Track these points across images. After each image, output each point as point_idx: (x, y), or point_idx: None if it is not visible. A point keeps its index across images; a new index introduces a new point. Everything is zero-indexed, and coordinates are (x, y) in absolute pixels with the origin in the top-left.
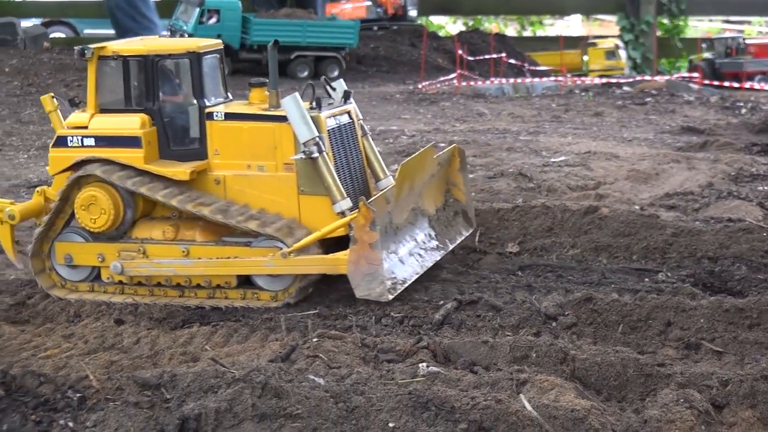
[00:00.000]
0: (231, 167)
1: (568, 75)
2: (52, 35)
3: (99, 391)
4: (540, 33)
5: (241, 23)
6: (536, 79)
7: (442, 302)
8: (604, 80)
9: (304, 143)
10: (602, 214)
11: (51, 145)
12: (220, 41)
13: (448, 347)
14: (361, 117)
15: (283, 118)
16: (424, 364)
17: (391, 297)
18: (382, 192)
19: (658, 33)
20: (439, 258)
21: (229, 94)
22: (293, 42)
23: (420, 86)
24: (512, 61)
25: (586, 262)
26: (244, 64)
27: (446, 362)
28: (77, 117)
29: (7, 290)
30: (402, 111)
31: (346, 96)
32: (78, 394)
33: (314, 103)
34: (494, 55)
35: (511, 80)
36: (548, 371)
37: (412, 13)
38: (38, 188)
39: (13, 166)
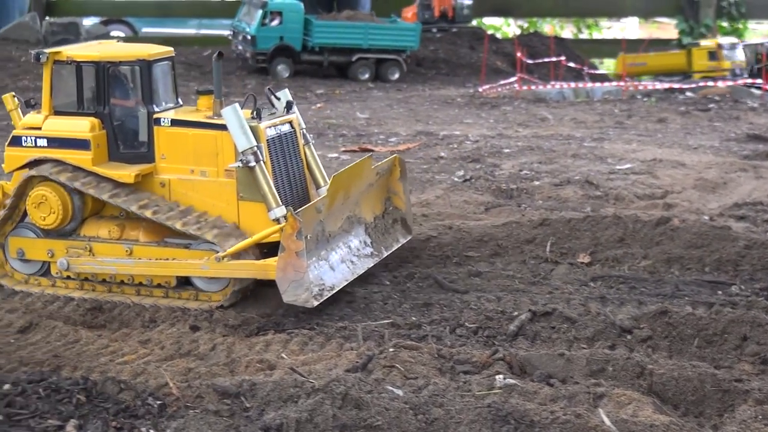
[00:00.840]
0: (176, 171)
1: (628, 79)
2: (111, 34)
3: (179, 398)
4: (597, 35)
5: (303, 25)
6: (597, 84)
7: (516, 313)
8: (666, 85)
9: (242, 152)
10: (674, 226)
11: (6, 144)
12: (171, 49)
13: (524, 359)
14: (303, 126)
15: (224, 127)
16: (501, 376)
17: (316, 303)
18: (312, 202)
19: (718, 36)
20: (372, 265)
21: (179, 100)
22: (355, 44)
23: (480, 90)
24: (571, 64)
25: (658, 273)
26: (305, 66)
27: (522, 374)
28: (32, 118)
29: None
30: (464, 115)
31: (289, 106)
32: (158, 402)
33: (255, 114)
34: (554, 59)
35: (572, 84)
36: (625, 385)
37: (464, 11)
38: None
39: None
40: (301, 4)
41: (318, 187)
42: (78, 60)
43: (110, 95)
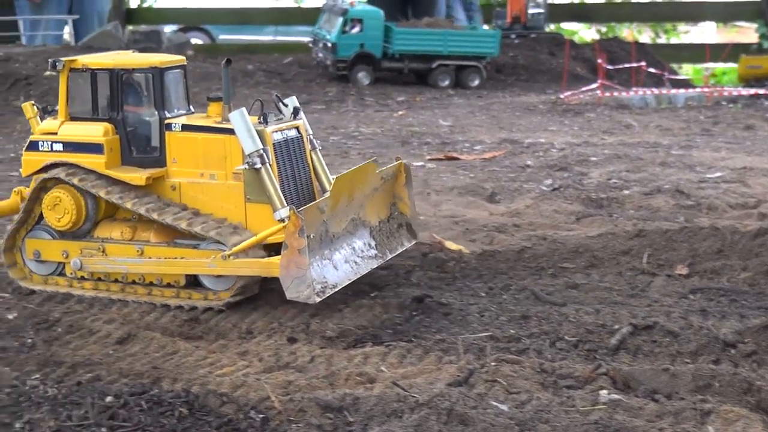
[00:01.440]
0: (186, 175)
1: (711, 86)
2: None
3: (281, 412)
4: (674, 40)
5: (383, 32)
6: (681, 90)
7: (616, 326)
8: (752, 91)
9: (248, 155)
10: None
11: (24, 149)
12: (183, 58)
13: (627, 374)
14: (311, 132)
15: (232, 131)
16: (605, 391)
17: (318, 300)
18: (315, 202)
19: None
20: (375, 266)
21: (191, 107)
22: (435, 51)
23: (562, 96)
24: (652, 70)
25: (758, 286)
26: (385, 73)
27: (626, 389)
28: (49, 124)
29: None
30: (547, 122)
31: (296, 112)
32: (260, 415)
33: (261, 118)
34: (634, 64)
35: (654, 90)
36: (732, 401)
37: (537, 17)
38: (16, 189)
39: None
40: (382, 12)
41: (324, 191)
42: (93, 68)
43: (123, 101)
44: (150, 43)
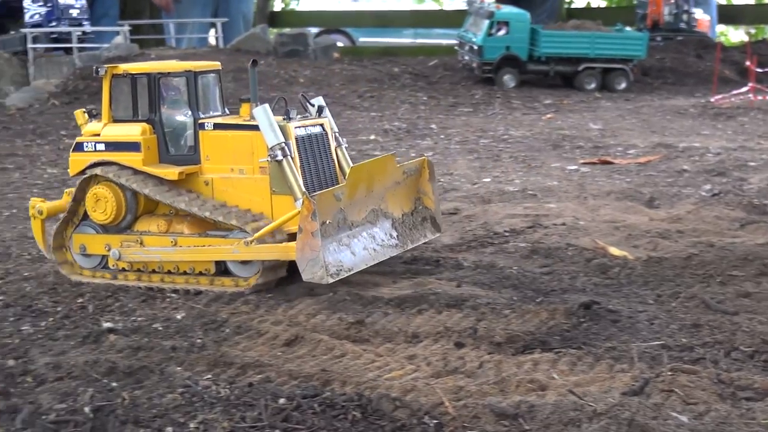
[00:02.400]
0: (218, 170)
1: None
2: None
3: (455, 418)
4: None
5: (529, 35)
6: None
7: None
8: None
9: (270, 147)
10: None
11: (71, 150)
12: (218, 63)
13: None
14: (336, 129)
15: (258, 127)
16: None
17: (331, 281)
18: (330, 189)
19: None
20: (394, 254)
21: (226, 110)
22: (581, 54)
23: (713, 100)
24: None
25: None
26: (530, 76)
27: None
28: (93, 126)
29: (345, 308)
30: (699, 126)
31: (320, 110)
32: (434, 421)
33: (285, 115)
34: None
35: None
36: None
37: (679, 18)
38: (67, 189)
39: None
40: (528, 14)
41: None
42: (132, 73)
43: (161, 103)
44: (297, 45)
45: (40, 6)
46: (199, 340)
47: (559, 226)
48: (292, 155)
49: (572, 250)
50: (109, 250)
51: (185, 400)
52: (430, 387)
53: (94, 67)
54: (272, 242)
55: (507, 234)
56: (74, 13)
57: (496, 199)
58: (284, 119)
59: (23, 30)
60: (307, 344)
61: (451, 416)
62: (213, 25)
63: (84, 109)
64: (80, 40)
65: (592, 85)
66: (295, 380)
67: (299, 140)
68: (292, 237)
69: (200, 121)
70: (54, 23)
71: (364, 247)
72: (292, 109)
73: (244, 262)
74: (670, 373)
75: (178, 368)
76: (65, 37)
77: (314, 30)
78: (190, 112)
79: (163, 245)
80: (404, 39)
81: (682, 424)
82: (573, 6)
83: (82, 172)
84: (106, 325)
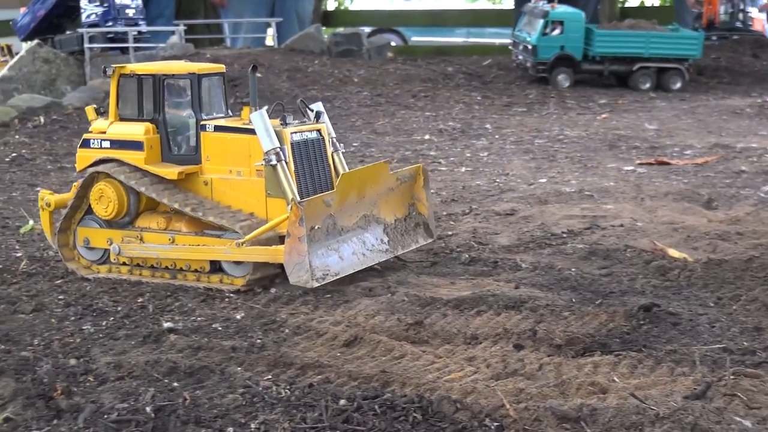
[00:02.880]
0: (217, 171)
1: None
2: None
3: (516, 421)
4: None
5: (584, 35)
6: None
7: None
8: None
9: (266, 152)
10: None
11: (78, 146)
12: (222, 66)
13: None
14: (333, 134)
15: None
16: None
17: (316, 285)
18: (320, 195)
19: None
20: (384, 259)
21: (229, 111)
22: (636, 53)
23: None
24: None
25: None
26: (585, 75)
27: None
28: (100, 124)
29: (404, 309)
30: (756, 127)
31: (318, 116)
32: (495, 423)
33: (282, 120)
34: None
35: None
36: None
37: (734, 17)
38: (75, 183)
39: None
40: (583, 14)
41: None
42: (139, 73)
43: (164, 104)
44: (351, 45)
45: (96, 6)
46: (258, 341)
47: (617, 228)
48: (287, 160)
49: (631, 251)
50: (110, 244)
51: (246, 400)
52: (490, 389)
53: (103, 67)
54: (263, 244)
55: (564, 235)
56: (130, 13)
57: (553, 199)
58: (281, 124)
59: (80, 30)
60: (366, 345)
61: (512, 419)
62: (269, 24)
63: (95, 106)
64: (136, 40)
65: (647, 85)
66: (354, 381)
67: (294, 145)
68: (282, 240)
69: (202, 123)
70: (110, 23)
71: (353, 252)
72: (288, 114)
73: (237, 262)
74: (732, 377)
75: (239, 368)
76: (121, 37)
77: (367, 29)
78: (192, 114)
79: (161, 242)
80: (456, 38)
81: (745, 429)
82: (627, 5)
83: (89, 167)
84: (167, 324)
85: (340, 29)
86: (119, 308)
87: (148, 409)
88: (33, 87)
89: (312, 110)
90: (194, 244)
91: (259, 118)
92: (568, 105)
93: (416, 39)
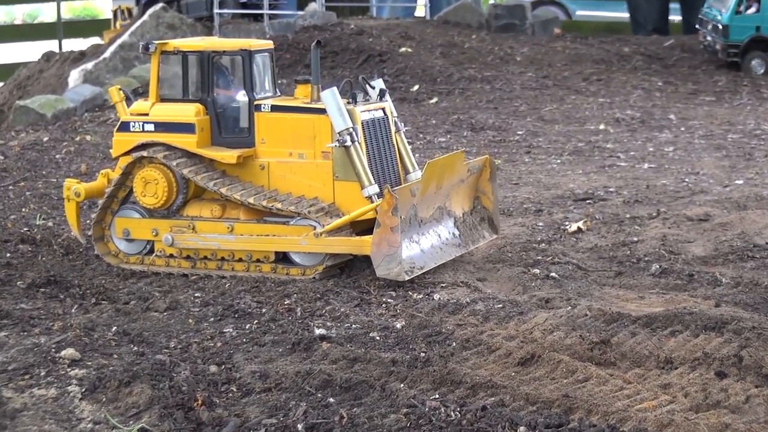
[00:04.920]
0: (275, 155)
1: None
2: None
3: None
4: None
5: None
6: None
7: None
8: None
9: (338, 132)
10: None
11: (115, 129)
12: (270, 42)
13: None
14: (395, 114)
15: (322, 111)
16: None
17: (407, 278)
18: (407, 184)
19: None
20: (457, 255)
21: (278, 91)
22: None
23: None
24: None
25: None
26: None
27: None
28: (140, 105)
29: (586, 325)
30: None
31: (382, 94)
32: None
33: (350, 99)
34: None
35: None
36: None
37: None
38: (102, 171)
39: (547, 173)
40: None
41: (407, 173)
42: (184, 50)
43: (214, 83)
44: (513, 19)
45: None
46: (422, 354)
47: None
48: (359, 140)
49: None
50: (155, 235)
51: (410, 421)
52: (690, 422)
53: (143, 44)
54: (345, 234)
55: None
56: None
57: (753, 204)
58: (349, 103)
59: None
60: (544, 364)
61: None
62: None
63: (119, 87)
64: (272, 7)
65: None
66: (533, 406)
67: (363, 125)
68: (353, 225)
69: (256, 103)
70: None
71: (431, 245)
72: (358, 93)
73: (309, 252)
74: None
75: (401, 385)
76: (255, 3)
77: (529, 0)
78: (244, 93)
79: (219, 232)
80: (626, 13)
81: None
82: None
83: (129, 152)
84: (318, 331)
85: (501, 0)
86: (264, 310)
87: (299, 426)
88: None
89: (374, 87)
90: (260, 234)
91: (330, 96)
92: (764, 95)
93: (581, 13)
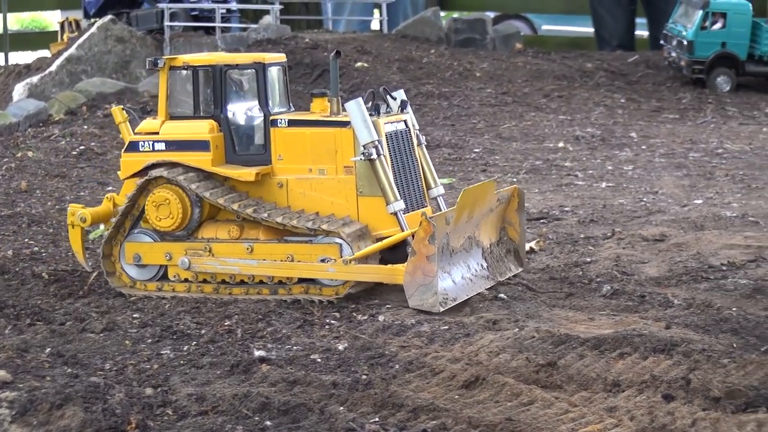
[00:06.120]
0: (293, 171)
1: None
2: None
3: None
4: None
5: (750, 30)
6: None
7: None
8: None
9: (364, 145)
10: None
11: (123, 150)
12: (283, 55)
13: None
14: (417, 126)
15: (343, 124)
16: None
17: (442, 309)
18: (443, 212)
19: None
20: (486, 287)
21: (291, 105)
22: None
23: None
24: None
25: None
26: (750, 78)
27: None
28: (148, 124)
29: (533, 347)
30: None
31: (403, 105)
32: None
33: (373, 110)
34: None
35: None
36: None
37: None
38: (108, 195)
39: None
40: (749, 5)
41: (428, 188)
42: (194, 65)
43: (226, 98)
44: (473, 33)
45: None
46: (364, 376)
47: None
48: (384, 153)
49: None
50: (169, 259)
51: None
52: None
53: (150, 60)
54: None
55: (724, 268)
56: None
57: (710, 225)
58: (371, 114)
59: (160, 5)
60: (489, 387)
61: None
62: (377, 6)
63: (122, 107)
64: (224, 20)
65: None
66: (475, 429)
67: (387, 137)
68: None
69: (272, 118)
70: None
71: (462, 276)
72: (381, 104)
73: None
74: None
75: (341, 408)
76: (207, 15)
77: (491, 15)
78: (258, 108)
79: (238, 254)
80: (592, 29)
81: None
82: None
83: (139, 173)
84: (258, 353)
85: (461, 14)
86: (203, 332)
87: None
88: (104, 70)
89: (395, 99)
90: (281, 254)
91: (356, 108)
92: (729, 113)
93: (547, 28)
